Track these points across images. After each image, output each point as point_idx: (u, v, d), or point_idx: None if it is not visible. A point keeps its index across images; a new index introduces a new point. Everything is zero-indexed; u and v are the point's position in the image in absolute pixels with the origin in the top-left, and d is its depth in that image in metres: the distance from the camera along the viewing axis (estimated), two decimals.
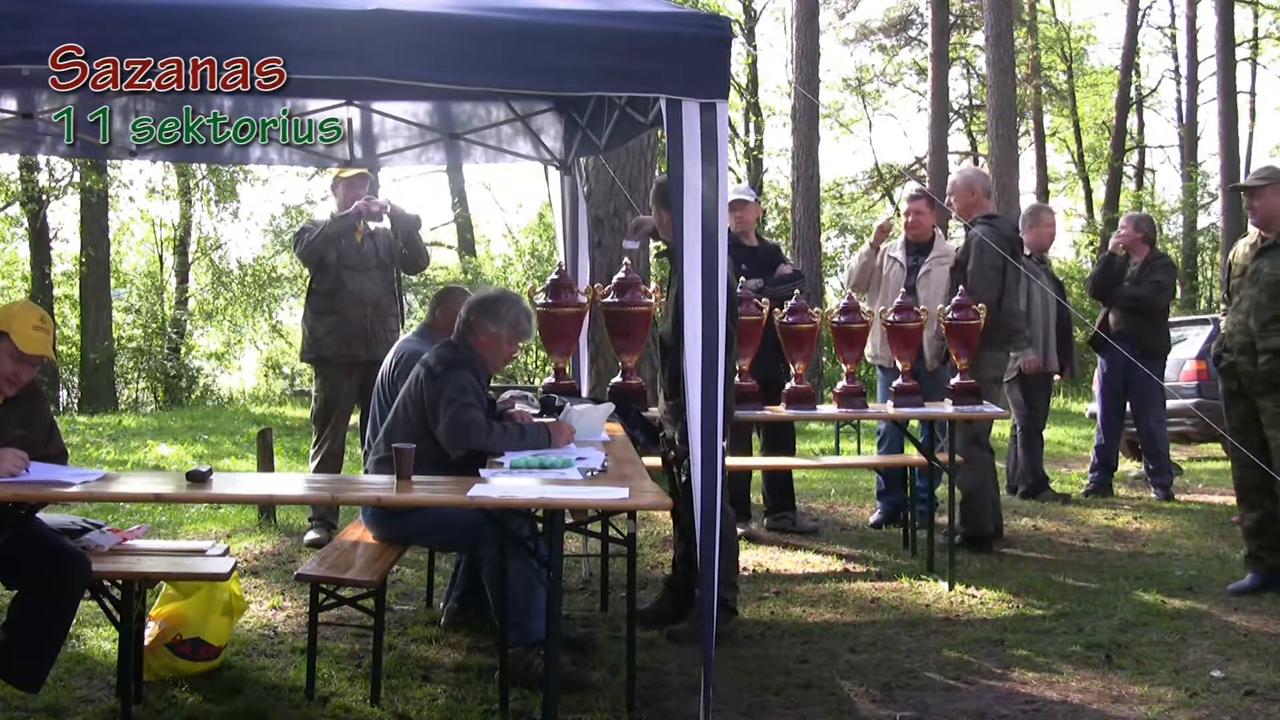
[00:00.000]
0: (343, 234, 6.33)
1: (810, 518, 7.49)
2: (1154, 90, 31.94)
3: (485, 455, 4.22)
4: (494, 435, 4.24)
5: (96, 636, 4.70)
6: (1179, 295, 28.23)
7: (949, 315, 5.86)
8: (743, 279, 5.93)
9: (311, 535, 6.33)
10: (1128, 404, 8.49)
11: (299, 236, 6.51)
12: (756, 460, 7.20)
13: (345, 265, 6.36)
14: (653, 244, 7.73)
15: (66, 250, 20.45)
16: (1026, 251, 7.56)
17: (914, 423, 6.28)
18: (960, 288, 6.00)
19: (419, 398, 4.37)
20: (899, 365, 5.92)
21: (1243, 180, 5.83)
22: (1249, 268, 5.50)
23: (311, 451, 6.53)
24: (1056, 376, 8.34)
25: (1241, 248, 5.63)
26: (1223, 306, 5.76)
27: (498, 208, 52.61)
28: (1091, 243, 27.26)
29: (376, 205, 6.39)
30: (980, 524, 6.43)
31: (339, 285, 6.35)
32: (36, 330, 3.72)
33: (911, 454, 7.29)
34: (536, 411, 4.89)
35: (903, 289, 6.61)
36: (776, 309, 5.80)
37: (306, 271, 6.70)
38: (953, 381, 5.94)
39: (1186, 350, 11.32)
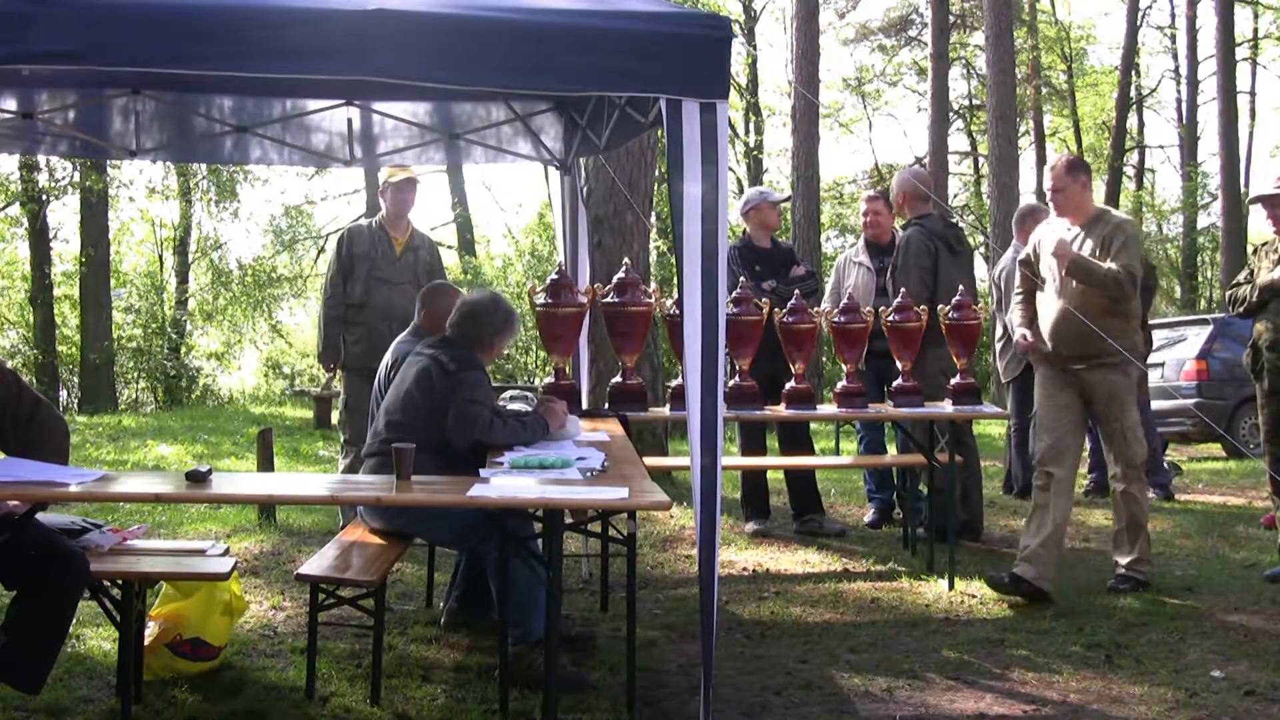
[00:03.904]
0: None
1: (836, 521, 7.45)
2: (1154, 90, 31.99)
3: (485, 455, 4.23)
4: (495, 429, 4.35)
5: (96, 636, 4.70)
6: (1179, 295, 28.28)
7: (949, 315, 5.88)
8: (744, 279, 5.92)
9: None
10: None
11: (330, 283, 6.50)
12: (756, 460, 7.19)
13: (377, 277, 6.35)
14: (652, 244, 7.73)
15: (66, 250, 20.47)
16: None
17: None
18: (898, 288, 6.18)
19: (431, 390, 4.42)
20: (899, 365, 5.91)
21: (1265, 190, 5.88)
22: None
23: (340, 452, 6.59)
24: None
25: (1263, 259, 5.78)
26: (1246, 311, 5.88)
27: (498, 208, 52.77)
28: None
29: None
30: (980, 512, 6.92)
31: (368, 298, 6.37)
32: None
33: (892, 452, 7.30)
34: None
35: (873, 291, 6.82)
36: (776, 309, 5.80)
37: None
38: (953, 381, 5.95)
39: (1186, 350, 11.32)
